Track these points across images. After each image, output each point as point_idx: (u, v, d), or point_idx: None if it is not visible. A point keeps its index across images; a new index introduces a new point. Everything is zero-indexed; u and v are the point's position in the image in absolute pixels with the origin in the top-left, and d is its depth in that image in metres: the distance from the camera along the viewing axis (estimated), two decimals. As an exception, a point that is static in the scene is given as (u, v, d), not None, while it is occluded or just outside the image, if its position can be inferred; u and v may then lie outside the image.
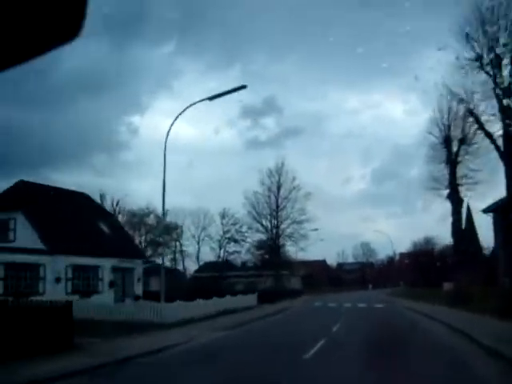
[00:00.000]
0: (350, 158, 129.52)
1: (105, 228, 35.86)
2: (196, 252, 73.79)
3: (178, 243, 70.93)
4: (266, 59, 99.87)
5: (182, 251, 72.76)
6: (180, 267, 74.08)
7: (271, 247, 59.12)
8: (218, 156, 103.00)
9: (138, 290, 35.72)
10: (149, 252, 62.32)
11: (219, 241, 70.03)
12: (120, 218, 53.85)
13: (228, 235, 69.30)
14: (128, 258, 35.34)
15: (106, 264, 33.05)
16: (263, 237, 59.98)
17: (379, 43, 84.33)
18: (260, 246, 64.63)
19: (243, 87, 20.22)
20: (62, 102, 79.31)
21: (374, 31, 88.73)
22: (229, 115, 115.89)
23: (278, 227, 57.38)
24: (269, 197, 58.39)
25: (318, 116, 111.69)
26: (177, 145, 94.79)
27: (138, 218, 58.26)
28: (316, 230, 61.38)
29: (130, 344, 14.52)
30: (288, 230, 58.03)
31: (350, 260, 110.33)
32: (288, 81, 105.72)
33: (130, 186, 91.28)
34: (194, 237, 72.85)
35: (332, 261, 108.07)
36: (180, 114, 21.33)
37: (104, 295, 32.07)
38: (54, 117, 75.53)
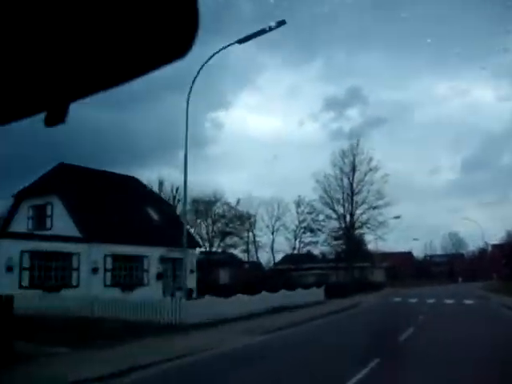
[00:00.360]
0: (438, 147, 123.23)
1: (154, 215, 32.71)
2: (270, 243, 69.92)
3: (250, 233, 67.53)
4: (349, 50, 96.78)
5: (254, 242, 69.21)
6: (258, 259, 70.75)
7: (347, 237, 53.83)
8: (302, 148, 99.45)
9: (192, 282, 32.27)
10: (216, 242, 59.45)
11: (294, 231, 65.55)
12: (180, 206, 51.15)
13: (303, 224, 64.43)
14: (179, 248, 32.04)
15: (153, 253, 29.88)
16: (336, 224, 54.86)
17: (466, 28, 79.06)
18: (337, 235, 59.50)
19: (282, 23, 15.96)
20: (149, 100, 79.88)
21: (460, 16, 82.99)
22: (312, 108, 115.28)
23: (352, 214, 52.06)
24: (341, 179, 53.22)
25: (403, 105, 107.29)
26: (261, 138, 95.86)
27: (204, 206, 55.27)
28: (398, 217, 55.47)
29: (92, 358, 10.48)
30: (364, 217, 52.60)
31: (439, 252, 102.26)
32: (372, 71, 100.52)
33: (215, 179, 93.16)
34: (267, 227, 69.07)
35: (419, 253, 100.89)
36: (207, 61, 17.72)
37: (150, 288, 28.94)
38: (142, 115, 76.76)
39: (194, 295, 28.68)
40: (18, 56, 0.79)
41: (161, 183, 52.65)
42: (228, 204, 62.44)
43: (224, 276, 51.72)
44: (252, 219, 67.29)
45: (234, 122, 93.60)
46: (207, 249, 57.86)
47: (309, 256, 64.91)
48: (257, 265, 73.28)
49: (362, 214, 52.24)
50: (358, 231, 53.98)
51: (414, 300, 34.39)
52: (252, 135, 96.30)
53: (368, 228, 52.32)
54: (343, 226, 53.10)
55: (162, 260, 30.58)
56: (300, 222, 63.82)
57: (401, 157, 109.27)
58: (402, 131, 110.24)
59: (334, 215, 53.00)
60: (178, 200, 50.49)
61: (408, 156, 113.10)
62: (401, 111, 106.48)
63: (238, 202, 64.95)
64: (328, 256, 64.16)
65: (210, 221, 56.33)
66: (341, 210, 53.03)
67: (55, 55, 0.78)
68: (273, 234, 69.12)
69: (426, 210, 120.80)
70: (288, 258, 65.57)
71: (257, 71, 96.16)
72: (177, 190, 51.19)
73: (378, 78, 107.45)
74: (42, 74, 0.80)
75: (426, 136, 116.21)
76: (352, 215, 52.05)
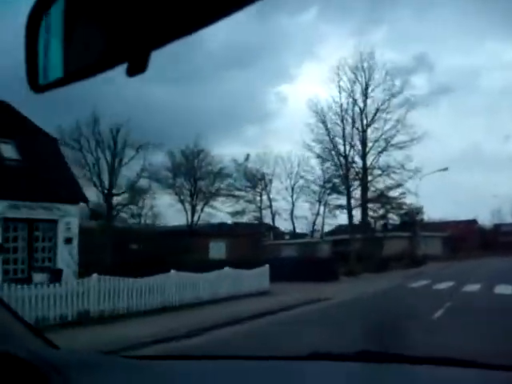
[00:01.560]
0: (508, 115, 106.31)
1: (12, 153, 20.59)
2: (290, 209, 56.63)
3: (264, 197, 54.70)
4: (414, 16, 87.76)
5: (270, 207, 56.25)
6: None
7: (363, 189, 39.69)
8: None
9: (66, 258, 20.14)
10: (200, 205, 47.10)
11: (318, 192, 51.79)
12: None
13: (329, 185, 49.98)
14: (48, 202, 19.95)
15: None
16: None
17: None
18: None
19: None
20: (212, 76, 77.32)
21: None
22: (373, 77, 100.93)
23: (365, 154, 37.83)
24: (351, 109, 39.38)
25: (472, 71, 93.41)
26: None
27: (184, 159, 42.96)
28: (445, 169, 41.08)
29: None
30: (381, 160, 38.49)
31: (509, 220, 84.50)
32: (438, 36, 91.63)
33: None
34: (286, 189, 55.86)
35: (486, 221, 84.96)
36: None
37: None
38: (204, 91, 72.17)
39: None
40: (102, 6, 0.83)
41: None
42: (235, 161, 50.03)
43: (217, 249, 39.32)
44: (267, 179, 54.51)
45: (297, 95, 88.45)
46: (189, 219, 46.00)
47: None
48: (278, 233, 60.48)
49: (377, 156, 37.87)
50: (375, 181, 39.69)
51: (445, 286, 20.65)
52: (307, 106, 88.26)
53: (386, 175, 37.92)
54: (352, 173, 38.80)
55: (8, 221, 18.62)
56: (325, 182, 49.72)
57: (469, 125, 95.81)
58: (472, 98, 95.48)
59: (337, 160, 38.79)
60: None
61: (478, 124, 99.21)
62: (469, 78, 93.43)
63: (247, 158, 52.26)
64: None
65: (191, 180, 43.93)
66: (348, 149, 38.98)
67: (137, 2, 0.79)
68: (292, 197, 56.06)
69: (496, 180, 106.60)
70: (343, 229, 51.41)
71: (320, 42, 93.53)
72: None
73: (445, 43, 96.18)
74: (125, 23, 0.82)
75: (496, 103, 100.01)
76: (365, 154, 37.75)
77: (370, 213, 42.58)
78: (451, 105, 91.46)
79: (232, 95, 74.91)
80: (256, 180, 53.58)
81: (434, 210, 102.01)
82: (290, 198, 55.88)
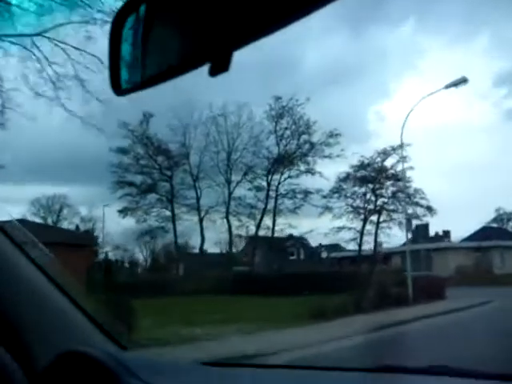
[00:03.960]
0: None
1: None
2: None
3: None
4: None
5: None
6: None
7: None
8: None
9: None
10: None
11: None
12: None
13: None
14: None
15: None
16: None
17: None
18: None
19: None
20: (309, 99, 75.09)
21: None
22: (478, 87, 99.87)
23: None
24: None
25: None
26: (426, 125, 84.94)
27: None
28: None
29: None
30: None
31: None
32: None
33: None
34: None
35: None
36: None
37: None
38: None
39: None
40: (186, 6, 0.87)
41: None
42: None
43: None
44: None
45: (397, 111, 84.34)
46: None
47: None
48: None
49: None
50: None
51: None
52: (417, 123, 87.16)
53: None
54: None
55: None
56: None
57: None
58: None
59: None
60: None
61: None
62: None
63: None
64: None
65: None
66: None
67: (219, 2, 0.82)
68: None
69: None
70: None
71: (419, 55, 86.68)
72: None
73: None
74: (207, 23, 0.84)
75: None
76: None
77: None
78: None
79: (329, 115, 73.31)
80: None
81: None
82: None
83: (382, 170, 40.78)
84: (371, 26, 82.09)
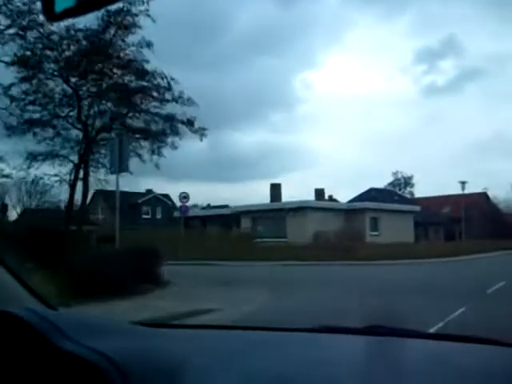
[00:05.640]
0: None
1: None
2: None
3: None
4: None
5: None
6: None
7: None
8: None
9: None
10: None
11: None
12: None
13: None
14: None
15: None
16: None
17: None
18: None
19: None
20: (235, 62, 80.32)
21: None
22: (402, 62, 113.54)
23: None
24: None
25: (501, 56, 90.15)
26: (351, 96, 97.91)
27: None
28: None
29: None
30: None
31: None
32: (466, 20, 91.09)
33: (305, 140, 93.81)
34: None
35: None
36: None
37: None
38: (228, 78, 77.35)
39: None
40: None
41: None
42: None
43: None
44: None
45: (324, 81, 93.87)
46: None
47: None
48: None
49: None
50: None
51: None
52: (342, 94, 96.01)
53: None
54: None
55: None
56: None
57: (499, 111, 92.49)
58: (502, 84, 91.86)
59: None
60: None
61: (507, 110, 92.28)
62: (499, 63, 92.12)
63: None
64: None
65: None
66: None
67: None
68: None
69: None
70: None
71: (347, 29, 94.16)
72: None
73: (474, 26, 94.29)
74: None
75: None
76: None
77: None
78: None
79: (256, 81, 77.43)
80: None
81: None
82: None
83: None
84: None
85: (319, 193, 43.79)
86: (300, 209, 34.03)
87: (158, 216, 55.30)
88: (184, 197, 27.58)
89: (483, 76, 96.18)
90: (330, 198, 49.60)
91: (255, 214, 37.27)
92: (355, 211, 37.37)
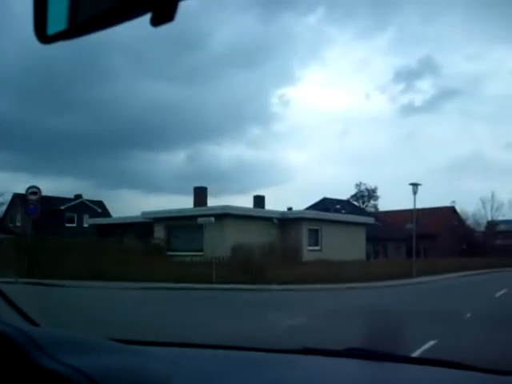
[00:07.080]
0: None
1: None
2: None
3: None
4: (421, 20, 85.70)
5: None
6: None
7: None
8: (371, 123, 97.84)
9: None
10: None
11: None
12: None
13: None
14: None
15: None
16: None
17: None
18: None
19: None
20: (214, 76, 77.71)
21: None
22: (381, 81, 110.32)
23: None
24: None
25: (478, 75, 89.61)
26: (329, 114, 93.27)
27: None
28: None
29: None
30: None
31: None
32: (445, 40, 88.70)
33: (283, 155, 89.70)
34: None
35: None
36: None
37: None
38: (207, 91, 74.81)
39: None
40: None
41: None
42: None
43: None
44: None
45: (301, 97, 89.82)
46: None
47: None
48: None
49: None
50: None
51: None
52: (320, 111, 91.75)
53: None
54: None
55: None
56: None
57: (474, 130, 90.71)
58: (477, 103, 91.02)
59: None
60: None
61: (483, 130, 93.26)
62: (475, 82, 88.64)
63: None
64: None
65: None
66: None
67: None
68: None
69: (502, 186, 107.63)
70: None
71: (326, 46, 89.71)
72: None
73: (452, 46, 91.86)
74: None
75: (502, 109, 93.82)
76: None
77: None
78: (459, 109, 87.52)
79: (234, 96, 75.54)
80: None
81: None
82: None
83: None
84: (283, 11, 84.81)
85: (258, 200, 36.83)
86: (220, 216, 27.12)
87: (86, 225, 48.85)
88: (33, 192, 20.21)
89: (460, 96, 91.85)
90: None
91: (170, 221, 30.31)
92: (292, 221, 30.56)
